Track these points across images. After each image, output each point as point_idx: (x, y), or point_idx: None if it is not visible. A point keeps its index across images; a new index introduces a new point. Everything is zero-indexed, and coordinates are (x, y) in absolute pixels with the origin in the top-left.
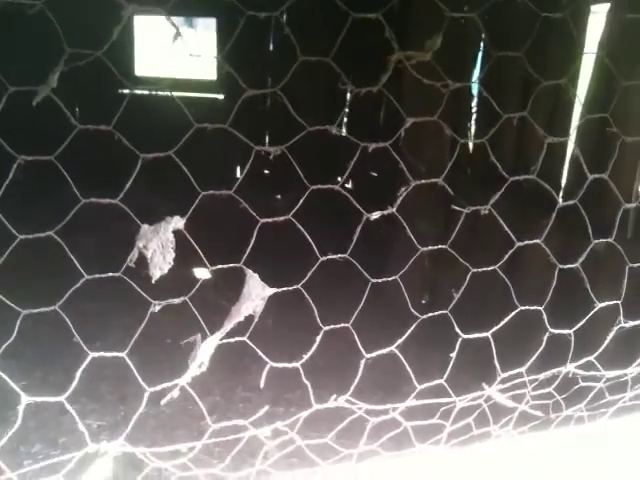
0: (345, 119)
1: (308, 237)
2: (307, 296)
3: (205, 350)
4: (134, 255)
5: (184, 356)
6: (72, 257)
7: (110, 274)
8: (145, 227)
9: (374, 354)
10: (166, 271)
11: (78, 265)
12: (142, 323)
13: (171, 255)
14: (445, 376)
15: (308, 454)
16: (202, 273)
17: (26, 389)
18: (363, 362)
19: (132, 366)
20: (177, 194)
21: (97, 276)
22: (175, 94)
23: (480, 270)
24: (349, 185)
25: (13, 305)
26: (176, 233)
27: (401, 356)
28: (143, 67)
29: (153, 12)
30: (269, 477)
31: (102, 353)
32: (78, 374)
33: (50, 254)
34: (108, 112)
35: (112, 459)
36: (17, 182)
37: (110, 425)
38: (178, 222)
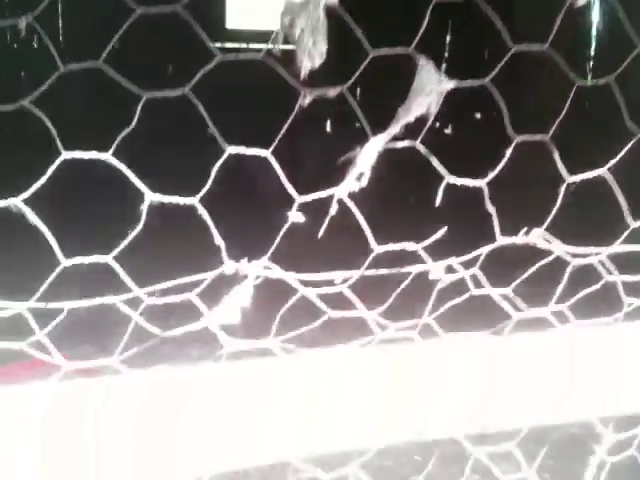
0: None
1: None
2: (494, 91)
3: (366, 158)
4: (279, 37)
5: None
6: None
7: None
8: None
9: (578, 177)
10: (317, 64)
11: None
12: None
13: (323, 44)
14: None
15: (490, 303)
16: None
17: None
18: (564, 188)
19: (278, 169)
20: None
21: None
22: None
23: None
24: None
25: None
26: (330, 14)
27: (612, 180)
28: (234, 20)
29: None
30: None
31: (241, 148)
32: (214, 171)
33: None
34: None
35: (253, 284)
36: None
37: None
38: None
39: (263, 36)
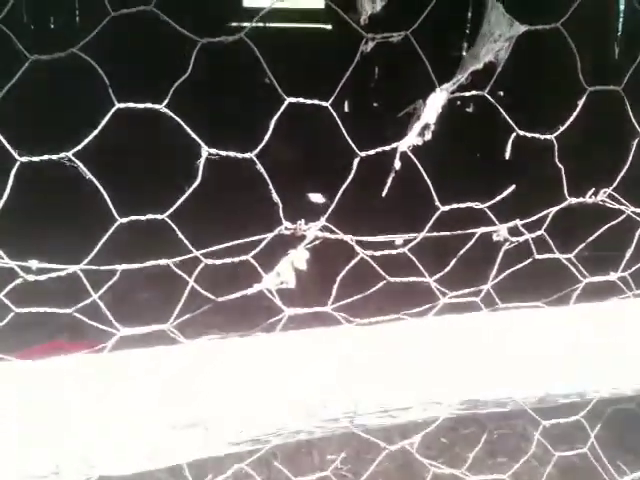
0: None
1: None
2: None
3: (430, 109)
4: None
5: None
6: None
7: None
8: None
9: None
10: (378, 8)
11: None
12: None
13: None
14: None
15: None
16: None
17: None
18: (636, 143)
19: (339, 121)
20: None
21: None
22: (283, 25)
23: None
24: None
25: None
26: None
27: None
28: None
29: None
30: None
31: (300, 99)
32: (272, 122)
33: None
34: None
35: (309, 246)
36: None
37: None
38: None
39: (281, 14)
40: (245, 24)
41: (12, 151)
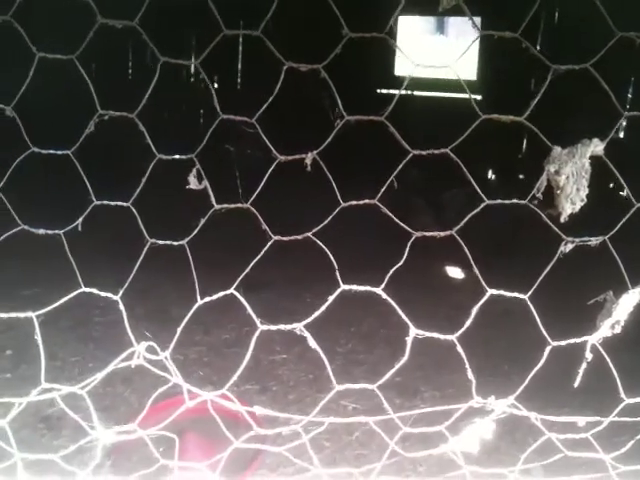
0: None
1: None
2: None
3: (623, 307)
4: (542, 183)
5: (592, 312)
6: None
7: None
8: (558, 149)
9: None
10: (577, 208)
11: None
12: (548, 265)
13: (584, 189)
14: None
15: None
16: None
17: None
18: None
19: (534, 311)
20: None
21: (501, 203)
22: (433, 94)
23: None
24: None
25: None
26: (593, 160)
27: None
28: (403, 67)
29: None
30: None
31: (502, 292)
32: (474, 310)
33: None
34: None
35: (496, 419)
36: None
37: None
38: (598, 146)
39: (431, 84)
40: (394, 91)
41: (254, 318)
